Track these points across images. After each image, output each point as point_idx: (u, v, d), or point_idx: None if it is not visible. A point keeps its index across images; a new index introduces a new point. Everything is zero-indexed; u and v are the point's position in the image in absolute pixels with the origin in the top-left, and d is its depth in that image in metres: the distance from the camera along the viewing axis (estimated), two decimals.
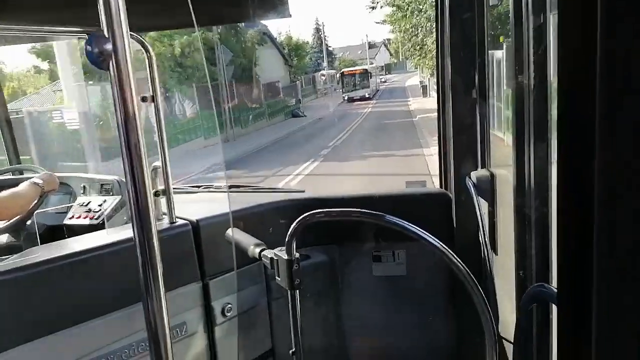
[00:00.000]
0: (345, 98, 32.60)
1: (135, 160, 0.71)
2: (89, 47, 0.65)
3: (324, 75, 39.66)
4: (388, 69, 73.44)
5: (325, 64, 47.16)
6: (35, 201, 1.91)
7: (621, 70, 0.48)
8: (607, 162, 0.50)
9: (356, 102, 31.03)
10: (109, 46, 0.65)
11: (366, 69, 35.02)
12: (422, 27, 18.17)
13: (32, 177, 1.95)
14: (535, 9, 1.10)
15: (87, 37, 1.57)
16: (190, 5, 0.94)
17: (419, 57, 20.17)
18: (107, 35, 0.65)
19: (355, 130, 19.01)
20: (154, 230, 0.75)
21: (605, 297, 0.53)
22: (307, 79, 38.15)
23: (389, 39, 78.24)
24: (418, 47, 19.34)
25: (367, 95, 32.56)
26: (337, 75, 37.46)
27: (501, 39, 1.71)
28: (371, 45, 78.11)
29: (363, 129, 19.07)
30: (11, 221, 1.96)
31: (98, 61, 0.65)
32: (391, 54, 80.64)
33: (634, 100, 0.48)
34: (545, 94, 1.09)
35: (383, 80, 50.00)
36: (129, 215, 2.13)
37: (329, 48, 56.25)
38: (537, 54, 1.10)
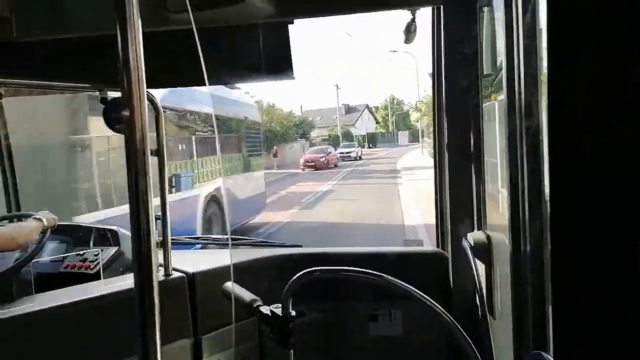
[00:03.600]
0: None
1: (142, 214, 0.73)
2: (106, 112, 0.68)
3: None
4: (372, 139, 59.53)
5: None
6: (38, 237, 1.93)
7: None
8: (600, 229, 0.52)
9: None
10: (126, 112, 0.68)
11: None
12: None
13: (32, 215, 1.99)
14: (527, 72, 1.15)
15: (98, 92, 1.63)
16: (203, 64, 0.98)
17: None
18: (124, 99, 0.68)
19: None
20: (155, 282, 0.76)
21: None
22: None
23: (375, 107, 68.86)
24: None
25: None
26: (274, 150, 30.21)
27: (493, 96, 1.78)
28: (350, 109, 66.09)
29: None
30: (11, 265, 1.96)
31: (115, 125, 0.68)
32: (377, 122, 68.91)
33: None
34: (539, 158, 1.13)
35: (354, 155, 39.35)
36: (125, 266, 2.12)
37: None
38: (530, 119, 1.15)
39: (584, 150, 0.53)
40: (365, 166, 32.36)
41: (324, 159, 31.76)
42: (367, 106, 68.54)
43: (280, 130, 37.87)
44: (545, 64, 1.04)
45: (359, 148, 43.26)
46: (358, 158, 39.85)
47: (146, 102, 0.70)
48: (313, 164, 30.80)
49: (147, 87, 0.73)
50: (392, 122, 66.71)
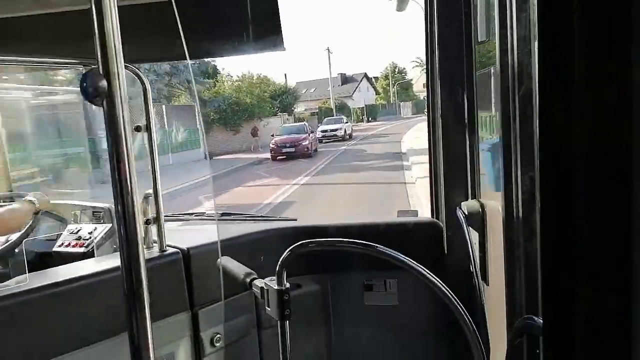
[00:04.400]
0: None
1: (125, 190, 0.72)
2: (84, 84, 0.66)
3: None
4: (372, 112, 52.24)
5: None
6: (31, 220, 1.92)
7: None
8: (589, 195, 0.51)
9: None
10: (103, 83, 0.66)
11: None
12: None
13: (25, 196, 1.97)
14: (520, 39, 1.13)
15: (82, 68, 1.60)
16: (183, 39, 0.96)
17: None
18: (101, 72, 0.66)
19: None
20: (141, 260, 0.75)
21: (589, 329, 0.54)
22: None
23: (375, 77, 62.60)
24: None
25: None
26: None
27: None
28: (347, 79, 57.55)
29: None
30: (3, 246, 1.96)
31: (92, 98, 0.67)
32: (377, 92, 61.45)
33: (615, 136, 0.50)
34: (532, 124, 1.12)
35: (342, 134, 31.08)
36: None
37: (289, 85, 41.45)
38: (523, 85, 1.13)
39: (575, 117, 0.52)
40: (359, 147, 25.08)
41: (307, 142, 22.56)
42: (366, 75, 60.44)
43: (250, 101, 28.98)
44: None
45: (348, 124, 33.72)
46: (348, 137, 31.26)
47: (124, 74, 0.68)
48: (292, 149, 21.87)
49: (129, 62, 0.71)
50: (394, 93, 61.12)
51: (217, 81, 31.39)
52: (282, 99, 36.73)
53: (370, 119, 51.06)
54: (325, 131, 31.25)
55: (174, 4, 0.89)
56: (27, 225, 1.94)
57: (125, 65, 0.71)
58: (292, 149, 21.97)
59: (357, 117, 48.51)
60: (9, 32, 1.54)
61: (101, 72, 0.66)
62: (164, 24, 1.14)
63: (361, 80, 58.90)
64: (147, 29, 1.39)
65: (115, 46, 0.67)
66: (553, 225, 0.57)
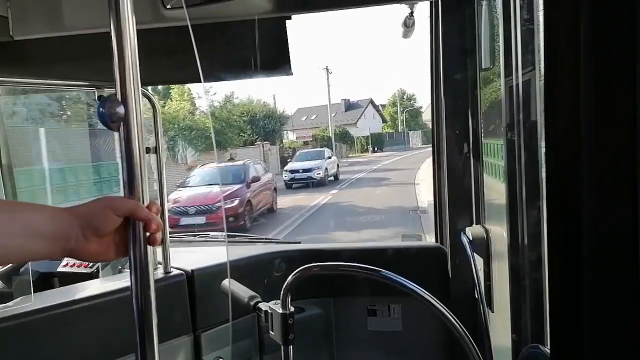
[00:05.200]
0: None
1: None
2: (101, 109, 0.68)
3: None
4: (378, 142, 46.49)
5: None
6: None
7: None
8: (596, 220, 0.52)
9: None
10: (121, 110, 0.68)
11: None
12: None
13: None
14: (525, 68, 1.16)
15: (95, 90, 1.63)
16: (198, 61, 0.98)
17: None
18: (119, 98, 0.68)
19: None
20: (151, 281, 0.76)
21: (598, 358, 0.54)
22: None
23: (382, 104, 57.98)
24: None
25: None
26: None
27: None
28: (351, 105, 52.43)
29: None
30: (5, 268, 1.95)
31: (109, 123, 0.68)
32: (384, 121, 55.83)
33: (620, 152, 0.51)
34: (537, 151, 1.13)
35: (320, 176, 19.77)
36: (123, 264, 2.11)
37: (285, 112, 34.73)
38: (527, 112, 1.15)
39: (583, 144, 0.52)
40: (348, 197, 15.46)
41: (238, 202, 11.82)
42: (372, 101, 54.83)
43: (213, 125, 22.21)
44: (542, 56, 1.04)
45: (332, 159, 22.71)
46: (333, 178, 21.15)
47: (141, 99, 0.70)
48: (210, 219, 11.17)
49: (143, 85, 0.72)
50: (402, 121, 56.50)
51: (172, 99, 24.81)
52: (265, 125, 28.77)
53: (376, 148, 45.10)
54: (295, 172, 20.14)
55: (190, 27, 0.92)
56: None
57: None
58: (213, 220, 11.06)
59: (362, 146, 44.19)
60: (23, 54, 1.58)
61: (118, 96, 0.68)
62: (178, 47, 1.17)
63: (366, 107, 53.07)
64: (161, 52, 1.43)
65: (133, 71, 0.69)
66: (560, 254, 0.58)
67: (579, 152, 0.52)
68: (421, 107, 59.61)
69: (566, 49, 0.53)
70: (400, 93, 60.09)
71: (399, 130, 55.13)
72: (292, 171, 20.45)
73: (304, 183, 19.82)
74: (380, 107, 57.47)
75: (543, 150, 1.15)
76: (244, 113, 27.19)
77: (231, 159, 18.29)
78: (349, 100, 53.52)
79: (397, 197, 14.02)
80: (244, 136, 25.55)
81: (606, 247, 0.52)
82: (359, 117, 49.99)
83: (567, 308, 0.57)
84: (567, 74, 0.53)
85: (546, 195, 0.59)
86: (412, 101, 59.20)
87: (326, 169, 20.76)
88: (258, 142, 26.40)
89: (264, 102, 32.76)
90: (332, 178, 21.16)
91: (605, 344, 0.54)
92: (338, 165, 23.13)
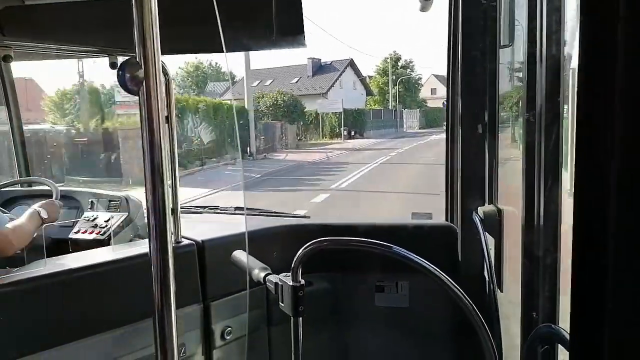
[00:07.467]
0: None
1: (158, 179, 0.73)
2: (121, 73, 0.67)
3: None
4: (358, 122, 31.25)
5: None
6: (35, 234, 1.89)
7: None
8: (625, 201, 0.51)
9: None
10: (141, 73, 0.67)
11: None
12: None
13: (36, 206, 1.92)
14: (550, 45, 1.12)
15: (110, 56, 1.61)
16: (221, 31, 0.97)
17: None
18: (139, 62, 0.67)
19: None
20: (169, 248, 0.77)
21: (619, 341, 0.54)
22: None
23: (369, 76, 43.72)
24: None
25: None
26: None
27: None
28: (322, 68, 35.77)
29: None
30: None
31: (130, 86, 0.67)
32: (370, 93, 41.35)
33: None
34: (558, 131, 1.11)
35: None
36: (135, 233, 2.13)
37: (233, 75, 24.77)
38: (550, 91, 1.12)
39: (614, 123, 0.51)
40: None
41: None
42: (352, 63, 37.47)
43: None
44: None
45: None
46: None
47: (160, 64, 0.69)
48: None
49: (163, 54, 0.71)
50: (395, 95, 41.72)
51: None
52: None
53: (354, 133, 30.16)
54: None
55: None
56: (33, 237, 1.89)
57: None
58: None
59: (332, 128, 29.53)
60: (33, 19, 1.55)
61: (139, 61, 0.67)
62: (198, 16, 1.15)
63: (344, 70, 35.73)
64: (181, 22, 1.40)
65: (153, 37, 0.68)
66: (587, 235, 0.57)
67: (612, 129, 0.51)
68: (420, 78, 47.32)
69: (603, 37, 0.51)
70: (394, 57, 44.72)
71: (390, 108, 39.88)
72: None
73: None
74: (363, 74, 41.00)
75: (563, 129, 1.13)
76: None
77: None
78: (319, 60, 36.52)
79: None
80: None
81: (631, 231, 0.51)
82: (331, 85, 34.20)
83: (590, 289, 0.56)
84: (603, 62, 0.52)
85: (574, 173, 0.58)
86: (408, 69, 45.14)
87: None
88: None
89: (216, 63, 27.67)
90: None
91: (626, 329, 0.53)
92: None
